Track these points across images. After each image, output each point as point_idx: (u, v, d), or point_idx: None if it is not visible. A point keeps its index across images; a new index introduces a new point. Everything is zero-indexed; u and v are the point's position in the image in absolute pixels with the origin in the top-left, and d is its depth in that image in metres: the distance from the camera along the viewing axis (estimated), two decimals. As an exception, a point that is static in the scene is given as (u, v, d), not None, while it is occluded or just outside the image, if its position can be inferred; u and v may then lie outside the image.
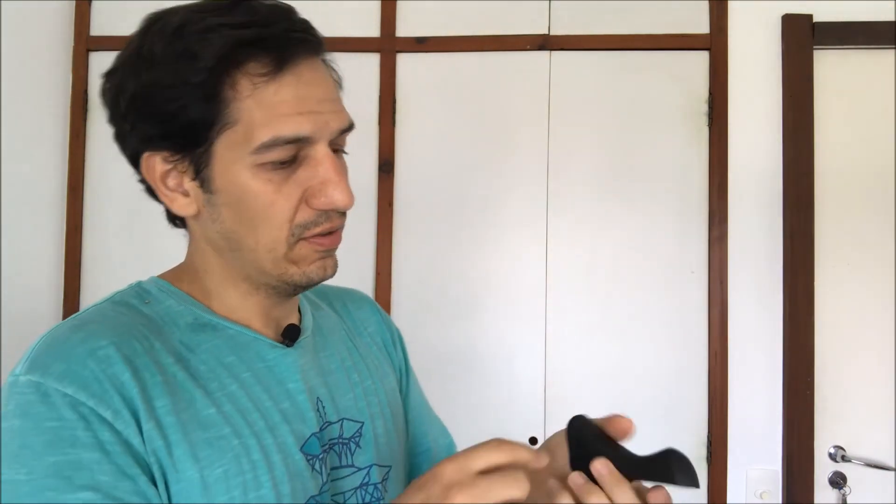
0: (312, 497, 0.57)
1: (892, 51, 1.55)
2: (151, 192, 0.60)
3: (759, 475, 1.51)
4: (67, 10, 1.65)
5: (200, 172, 0.55)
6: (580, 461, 0.52)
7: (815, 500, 1.49)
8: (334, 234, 0.59)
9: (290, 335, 0.63)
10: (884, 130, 1.54)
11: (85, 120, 1.65)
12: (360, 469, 0.64)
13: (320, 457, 0.59)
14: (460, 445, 1.65)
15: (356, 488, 0.63)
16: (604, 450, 0.54)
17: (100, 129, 1.65)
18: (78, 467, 0.47)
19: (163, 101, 0.53)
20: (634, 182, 1.57)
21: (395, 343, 0.80)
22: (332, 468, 0.61)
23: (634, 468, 0.52)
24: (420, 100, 1.61)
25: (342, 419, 0.64)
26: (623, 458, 0.53)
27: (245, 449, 0.54)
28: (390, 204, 1.59)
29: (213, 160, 0.55)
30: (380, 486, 0.65)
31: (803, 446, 1.49)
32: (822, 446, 1.51)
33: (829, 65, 1.56)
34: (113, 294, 0.61)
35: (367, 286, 1.58)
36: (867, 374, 1.52)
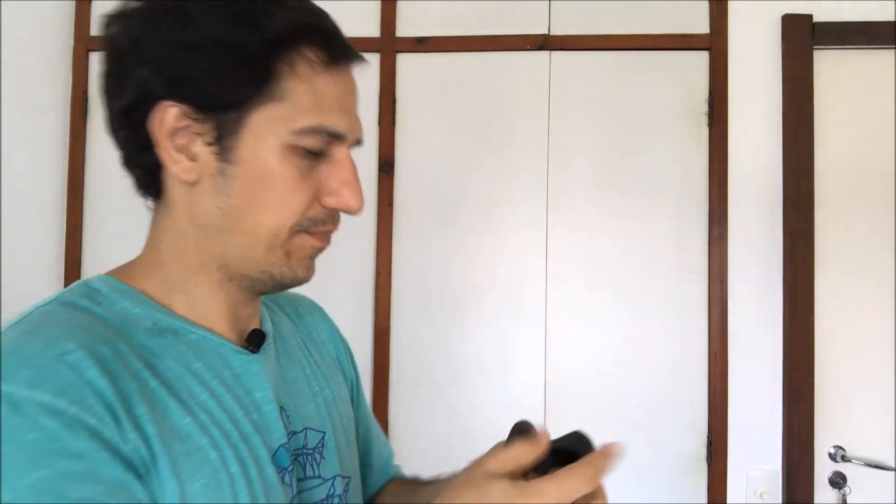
0: None
1: (892, 51, 1.55)
2: (123, 157, 0.56)
3: (759, 475, 1.51)
4: (67, 10, 1.65)
5: (223, 139, 0.52)
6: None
7: (815, 500, 1.49)
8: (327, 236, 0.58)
9: (254, 341, 0.59)
10: (884, 130, 1.54)
11: (85, 120, 1.65)
12: (325, 480, 0.62)
13: (289, 469, 0.57)
14: (459, 444, 1.67)
15: (321, 501, 0.61)
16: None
17: (100, 129, 1.65)
18: (70, 479, 0.42)
19: (205, 57, 0.50)
20: (634, 182, 1.57)
21: (346, 353, 0.78)
22: (299, 479, 0.59)
23: (563, 458, 0.51)
24: (420, 100, 1.61)
25: (306, 429, 0.62)
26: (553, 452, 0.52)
27: (223, 462, 0.50)
28: (390, 204, 1.59)
29: (243, 130, 0.52)
30: (342, 496, 0.63)
31: (803, 446, 1.49)
32: (822, 446, 1.51)
33: (829, 65, 1.56)
34: (56, 295, 0.53)
35: (367, 286, 1.58)
36: (867, 374, 1.52)
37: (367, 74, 1.76)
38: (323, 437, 0.63)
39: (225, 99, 0.51)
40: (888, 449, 1.50)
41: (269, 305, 0.69)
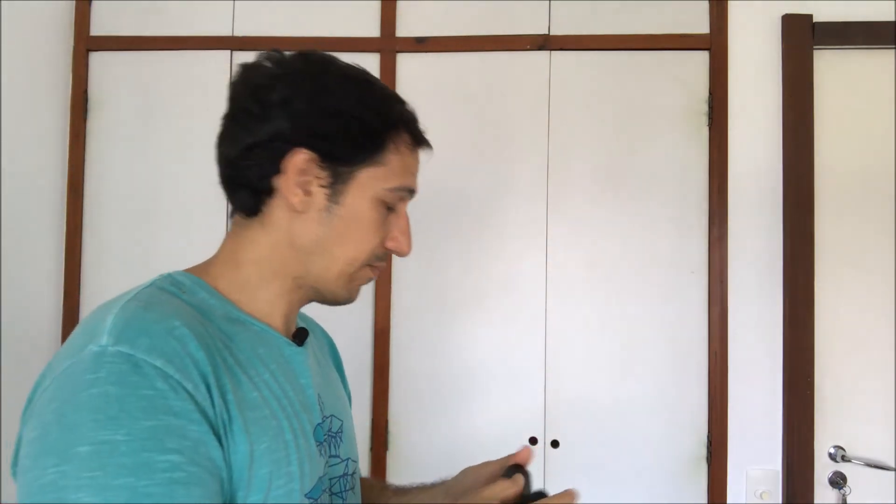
0: (320, 477, 0.67)
1: (892, 51, 1.55)
2: (232, 177, 0.68)
3: (759, 475, 1.51)
4: (67, 10, 1.65)
5: (335, 185, 0.67)
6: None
7: (815, 500, 1.49)
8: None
9: (300, 337, 0.72)
10: (884, 130, 1.54)
11: (85, 120, 1.65)
12: (343, 460, 0.74)
13: (323, 444, 0.69)
14: (459, 443, 1.66)
15: (339, 477, 0.73)
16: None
17: (100, 129, 1.65)
18: (168, 432, 0.52)
19: (340, 123, 0.66)
20: (634, 182, 1.57)
21: (341, 365, 0.92)
22: (331, 456, 0.72)
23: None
24: (420, 100, 1.59)
25: (332, 415, 0.74)
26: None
27: (280, 430, 0.62)
28: (390, 204, 1.59)
29: (351, 181, 0.67)
30: (351, 477, 0.76)
31: (803, 446, 1.49)
32: (822, 446, 1.51)
33: (829, 65, 1.56)
34: (150, 281, 0.65)
35: (366, 287, 1.57)
36: (867, 374, 1.52)
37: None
38: (342, 425, 0.76)
39: (346, 157, 0.67)
40: (888, 449, 1.50)
41: (299, 313, 0.82)
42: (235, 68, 0.71)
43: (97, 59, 1.66)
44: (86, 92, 1.65)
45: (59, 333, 1.63)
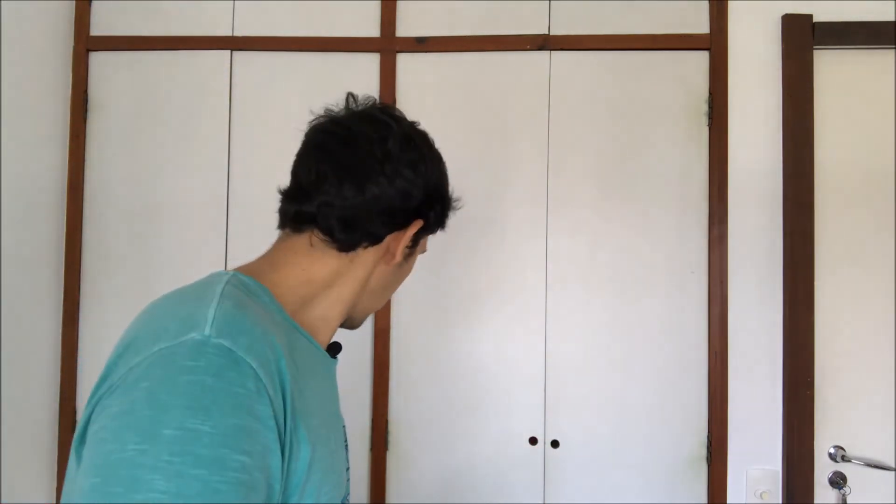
0: (347, 481, 0.73)
1: (892, 51, 1.55)
2: (348, 218, 0.72)
3: (759, 475, 1.51)
4: (67, 10, 1.65)
5: (413, 247, 0.77)
6: None
7: (815, 500, 1.49)
8: None
9: (334, 351, 0.78)
10: (884, 130, 1.54)
11: (85, 120, 1.65)
12: (348, 468, 0.78)
13: (346, 447, 0.75)
14: (458, 444, 1.66)
15: (346, 480, 0.77)
16: None
17: (100, 129, 1.65)
18: (247, 433, 0.53)
19: (444, 200, 0.77)
20: (634, 182, 1.57)
21: None
22: None
23: None
24: (420, 100, 1.61)
25: (343, 424, 0.78)
26: None
27: (328, 439, 0.65)
28: (390, 204, 1.59)
29: (416, 244, 0.77)
30: (348, 483, 0.79)
31: (803, 446, 1.49)
32: (822, 446, 1.51)
33: (829, 65, 1.56)
34: (221, 279, 0.65)
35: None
36: (867, 374, 1.52)
37: (366, 74, 1.76)
38: (345, 433, 0.79)
39: (430, 227, 0.76)
40: (888, 449, 1.50)
41: None
42: (342, 99, 0.77)
43: (97, 59, 1.66)
44: (86, 92, 1.65)
45: (59, 333, 1.63)
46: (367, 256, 0.74)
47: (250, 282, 0.68)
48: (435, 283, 1.59)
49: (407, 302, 1.60)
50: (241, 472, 0.51)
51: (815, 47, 1.54)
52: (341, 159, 0.70)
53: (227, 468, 0.51)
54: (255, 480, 0.53)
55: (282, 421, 0.57)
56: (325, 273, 0.72)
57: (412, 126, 0.76)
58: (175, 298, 0.62)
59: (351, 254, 0.73)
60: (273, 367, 0.58)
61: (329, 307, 0.73)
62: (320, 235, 0.71)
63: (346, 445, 0.78)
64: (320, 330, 0.73)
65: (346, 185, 0.69)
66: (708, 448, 1.52)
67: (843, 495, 1.48)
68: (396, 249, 0.74)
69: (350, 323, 0.79)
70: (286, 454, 0.58)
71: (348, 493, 0.72)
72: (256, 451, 0.53)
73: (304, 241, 0.72)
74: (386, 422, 1.57)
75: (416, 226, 0.74)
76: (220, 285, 0.63)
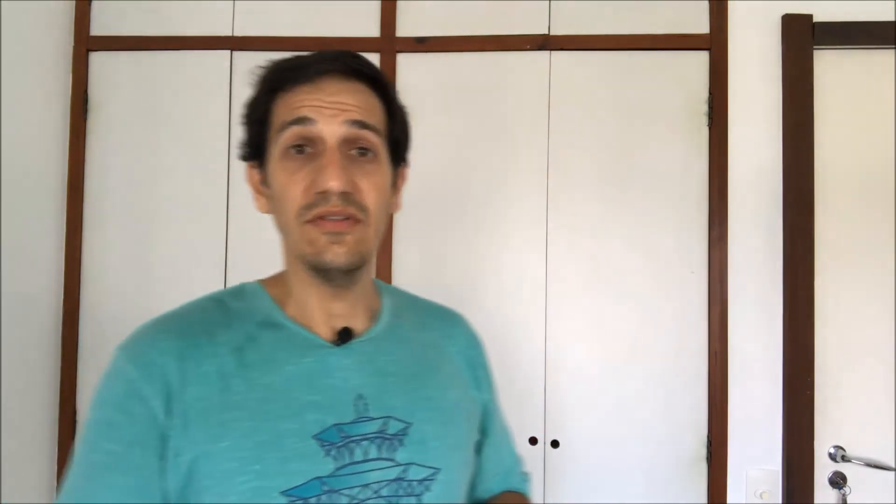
0: (318, 477, 0.65)
1: (892, 51, 1.55)
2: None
3: (759, 475, 1.51)
4: (67, 10, 1.65)
5: (266, 174, 0.71)
6: None
7: (815, 500, 1.49)
8: (340, 221, 0.66)
9: (341, 337, 0.72)
10: (884, 130, 1.54)
11: (85, 120, 1.65)
12: (399, 464, 0.69)
13: (338, 444, 0.66)
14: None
15: (391, 481, 0.68)
16: None
17: (100, 129, 1.65)
18: (113, 427, 0.64)
19: (247, 122, 0.73)
20: (634, 182, 1.57)
21: (483, 367, 0.89)
22: (369, 459, 0.68)
23: None
24: (420, 100, 1.61)
25: (388, 417, 0.70)
26: None
27: (253, 431, 0.64)
28: (390, 204, 1.59)
29: (268, 161, 0.70)
30: (418, 484, 0.70)
31: (803, 446, 1.49)
32: (822, 446, 1.51)
33: (829, 65, 1.56)
34: (223, 289, 0.76)
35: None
36: (867, 373, 1.52)
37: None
38: (407, 428, 0.71)
39: (256, 153, 0.75)
40: (888, 449, 1.50)
41: (399, 311, 0.81)
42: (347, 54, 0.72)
43: (97, 59, 1.66)
44: (86, 92, 1.65)
45: (59, 333, 1.63)
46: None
47: (250, 287, 0.75)
48: (435, 282, 1.59)
49: (407, 302, 1.59)
50: (106, 455, 0.63)
51: (815, 47, 1.54)
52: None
53: (95, 450, 0.64)
54: (121, 460, 0.63)
55: (161, 415, 0.64)
56: (284, 254, 0.75)
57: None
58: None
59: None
60: (156, 371, 0.64)
61: (296, 283, 0.73)
62: None
63: (395, 438, 0.70)
64: (310, 316, 0.73)
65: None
66: (708, 448, 1.52)
67: (843, 495, 1.48)
68: (255, 198, 0.77)
69: (318, 271, 0.69)
70: (173, 446, 0.63)
71: (320, 488, 0.64)
72: (127, 440, 0.63)
73: None
74: (386, 422, 1.57)
75: (251, 173, 0.76)
76: (200, 298, 0.73)
